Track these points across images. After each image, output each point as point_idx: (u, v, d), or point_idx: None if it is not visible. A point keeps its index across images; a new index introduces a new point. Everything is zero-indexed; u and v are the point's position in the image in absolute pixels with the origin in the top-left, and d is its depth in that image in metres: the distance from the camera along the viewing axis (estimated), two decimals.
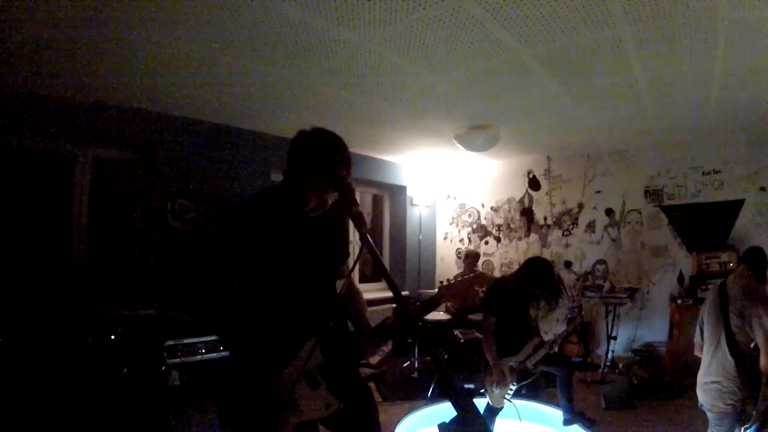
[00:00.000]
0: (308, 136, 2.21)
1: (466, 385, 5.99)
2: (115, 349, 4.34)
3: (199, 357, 4.62)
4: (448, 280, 2.52)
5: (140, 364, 4.39)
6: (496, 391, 4.38)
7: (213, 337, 4.73)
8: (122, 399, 4.19)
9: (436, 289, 2.48)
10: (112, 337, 4.36)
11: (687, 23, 3.34)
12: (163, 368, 4.41)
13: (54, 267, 5.06)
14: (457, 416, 1.43)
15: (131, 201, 5.64)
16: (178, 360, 4.50)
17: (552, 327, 7.44)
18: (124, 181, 5.64)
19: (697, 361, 3.83)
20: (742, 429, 3.50)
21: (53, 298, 4.81)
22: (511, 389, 4.44)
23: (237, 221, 2.21)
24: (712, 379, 3.56)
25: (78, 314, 4.42)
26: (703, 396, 3.67)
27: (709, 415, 3.64)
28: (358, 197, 7.20)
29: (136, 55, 3.84)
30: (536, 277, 4.53)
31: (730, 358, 3.47)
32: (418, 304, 2.47)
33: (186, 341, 4.60)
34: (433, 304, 2.41)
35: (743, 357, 3.46)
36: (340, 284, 2.48)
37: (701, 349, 3.83)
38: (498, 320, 4.49)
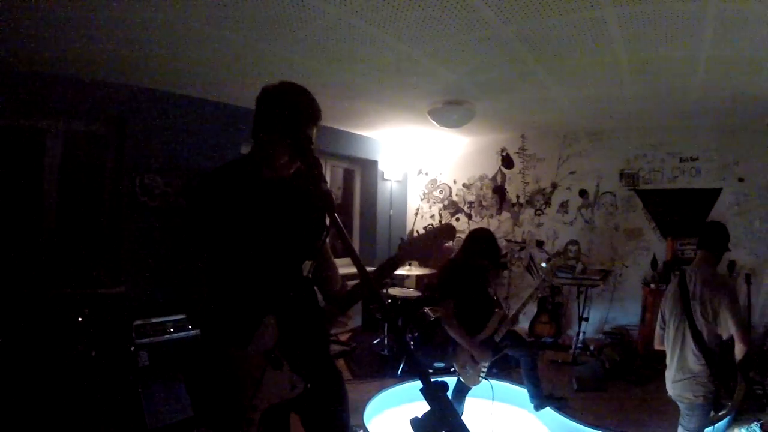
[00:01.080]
0: (272, 91, 2.13)
1: (436, 364, 5.92)
2: (83, 331, 4.25)
3: (167, 336, 4.54)
4: (409, 233, 2.33)
5: (109, 345, 4.33)
6: (470, 370, 4.33)
7: (181, 316, 4.65)
8: (91, 381, 4.13)
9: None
10: (80, 318, 4.28)
11: (675, 9, 3.21)
12: (132, 348, 4.33)
13: (23, 244, 4.88)
14: (430, 411, 1.36)
15: (100, 176, 5.44)
16: (147, 340, 4.42)
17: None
18: (93, 156, 5.44)
19: None
20: (717, 416, 3.50)
21: (22, 277, 4.68)
22: (484, 368, 4.39)
23: (206, 193, 2.12)
24: (681, 376, 3.50)
25: (47, 293, 4.36)
26: (672, 390, 3.61)
27: (680, 405, 3.60)
28: (329, 172, 7.03)
29: (105, 26, 3.63)
30: (480, 247, 4.51)
31: (697, 352, 3.41)
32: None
33: (154, 320, 4.54)
34: (393, 263, 2.19)
35: (710, 350, 3.40)
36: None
37: (662, 342, 3.77)
38: (457, 302, 4.41)
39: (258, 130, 2.15)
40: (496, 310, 4.56)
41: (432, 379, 1.41)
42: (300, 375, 2.10)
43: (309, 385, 2.12)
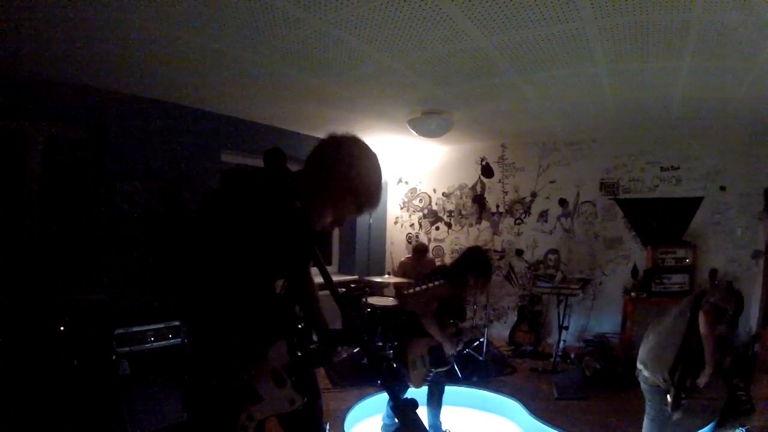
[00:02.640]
0: (343, 147, 2.10)
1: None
2: (65, 339, 4.19)
3: (148, 345, 4.53)
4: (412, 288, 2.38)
5: (90, 353, 4.25)
6: (418, 368, 4.31)
7: (162, 325, 4.65)
8: (73, 390, 4.07)
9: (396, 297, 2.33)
10: (62, 327, 4.21)
11: (658, 21, 3.20)
12: (114, 357, 4.29)
13: (3, 251, 4.79)
14: (401, 428, 1.47)
15: (81, 182, 5.37)
16: (127, 348, 4.39)
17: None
18: (74, 162, 5.36)
19: None
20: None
21: (2, 283, 4.60)
22: (430, 373, 4.38)
23: (230, 208, 2.04)
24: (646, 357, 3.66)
25: (28, 300, 4.33)
26: (640, 367, 3.77)
27: (643, 386, 3.78)
28: None
29: (87, 31, 3.57)
30: (478, 267, 4.51)
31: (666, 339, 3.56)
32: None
33: (135, 329, 4.50)
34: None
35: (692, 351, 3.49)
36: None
37: None
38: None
39: (313, 176, 2.11)
40: (450, 323, 4.56)
41: (402, 397, 1.50)
42: (298, 390, 2.16)
43: (306, 400, 2.19)
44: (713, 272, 6.13)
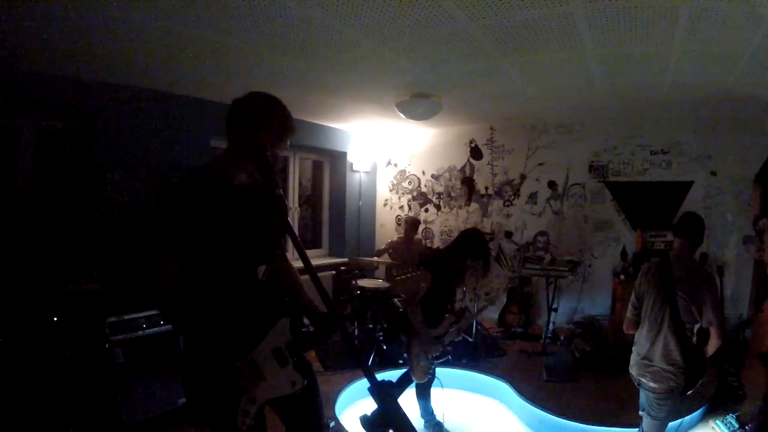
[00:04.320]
0: (239, 101, 2.17)
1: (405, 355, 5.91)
2: (59, 330, 4.16)
3: (141, 332, 4.56)
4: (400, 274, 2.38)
5: (83, 343, 4.25)
6: (421, 363, 4.32)
7: (154, 311, 4.67)
8: (67, 380, 4.06)
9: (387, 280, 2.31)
10: (55, 318, 4.18)
11: (646, 5, 3.16)
12: (107, 346, 4.32)
13: None
14: (378, 410, 1.43)
15: (72, 173, 5.33)
16: (121, 337, 4.43)
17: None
18: (64, 153, 5.32)
19: None
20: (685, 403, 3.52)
21: None
22: (432, 364, 4.39)
23: (179, 197, 2.12)
24: (656, 365, 3.45)
25: (22, 292, 4.25)
26: (641, 376, 3.56)
27: (649, 395, 3.54)
28: (297, 164, 6.98)
29: (73, 22, 3.53)
30: (475, 248, 4.54)
31: (675, 342, 3.38)
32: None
33: (127, 317, 4.54)
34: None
35: (688, 341, 3.38)
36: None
37: (634, 325, 3.70)
38: (426, 294, 4.38)
39: (227, 138, 2.20)
40: (446, 315, 4.53)
41: (379, 379, 1.47)
42: (299, 371, 2.25)
43: (306, 382, 2.27)
44: (704, 256, 6.11)
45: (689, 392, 3.47)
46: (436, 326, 4.42)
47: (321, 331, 2.41)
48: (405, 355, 4.48)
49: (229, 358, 2.02)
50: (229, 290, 2.17)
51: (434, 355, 4.35)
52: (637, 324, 3.69)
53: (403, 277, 2.83)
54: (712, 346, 3.36)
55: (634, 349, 3.68)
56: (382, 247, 7.99)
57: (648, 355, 3.52)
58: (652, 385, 3.47)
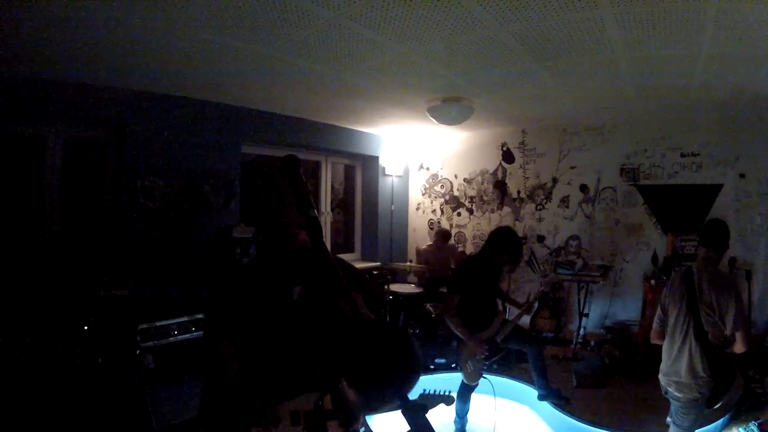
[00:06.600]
0: None
1: (438, 360, 5.93)
2: (90, 339, 4.27)
3: (172, 339, 4.65)
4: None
5: (114, 349, 4.35)
6: (471, 367, 4.39)
7: (185, 318, 4.78)
8: (98, 387, 4.16)
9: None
10: (86, 327, 4.29)
11: (673, 9, 3.18)
12: (138, 352, 4.41)
13: (26, 250, 4.88)
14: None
15: (101, 179, 5.46)
16: (151, 343, 4.52)
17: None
18: (94, 160, 5.45)
19: None
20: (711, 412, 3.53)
21: (26, 283, 4.65)
22: (485, 366, 4.47)
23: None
24: (680, 379, 3.47)
25: (53, 299, 4.34)
26: (668, 386, 3.60)
27: (674, 404, 3.59)
28: (329, 168, 7.14)
29: (104, 32, 3.63)
30: (506, 244, 4.58)
31: (700, 354, 3.39)
32: None
33: (158, 323, 4.62)
34: None
35: (713, 352, 3.38)
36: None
37: (660, 336, 3.74)
38: (465, 298, 4.50)
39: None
40: (500, 310, 4.60)
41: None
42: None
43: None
44: (732, 260, 6.05)
45: (715, 406, 3.50)
46: (486, 328, 4.51)
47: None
48: (455, 361, 4.56)
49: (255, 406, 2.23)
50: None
51: (488, 356, 4.43)
52: (663, 335, 3.73)
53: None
54: (737, 350, 3.39)
55: (663, 356, 3.71)
56: (414, 258, 8.17)
57: (674, 366, 3.55)
58: (677, 394, 3.51)
